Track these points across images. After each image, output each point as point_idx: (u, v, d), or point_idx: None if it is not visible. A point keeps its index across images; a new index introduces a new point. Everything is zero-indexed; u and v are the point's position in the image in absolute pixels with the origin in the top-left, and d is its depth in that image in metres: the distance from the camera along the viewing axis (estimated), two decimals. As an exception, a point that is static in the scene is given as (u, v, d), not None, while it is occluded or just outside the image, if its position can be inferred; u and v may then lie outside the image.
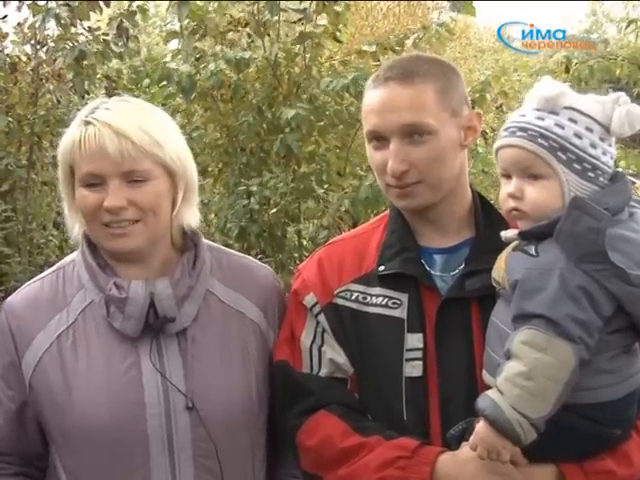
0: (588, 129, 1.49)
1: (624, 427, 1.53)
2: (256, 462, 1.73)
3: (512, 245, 1.56)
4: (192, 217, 1.74)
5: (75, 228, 1.72)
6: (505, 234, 1.58)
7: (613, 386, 1.48)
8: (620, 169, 1.62)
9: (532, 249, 1.49)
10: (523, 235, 1.53)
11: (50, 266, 1.79)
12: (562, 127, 1.48)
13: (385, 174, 1.66)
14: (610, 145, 1.52)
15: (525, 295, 1.44)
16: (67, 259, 1.78)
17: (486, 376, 1.55)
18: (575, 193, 1.47)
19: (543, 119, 1.50)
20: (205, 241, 1.80)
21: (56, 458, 1.68)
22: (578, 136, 1.48)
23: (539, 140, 1.48)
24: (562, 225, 1.44)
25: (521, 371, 1.41)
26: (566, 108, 1.50)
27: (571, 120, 1.49)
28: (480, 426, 1.45)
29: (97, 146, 1.58)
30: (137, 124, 1.61)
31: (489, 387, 1.50)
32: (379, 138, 1.66)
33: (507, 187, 1.53)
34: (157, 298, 1.62)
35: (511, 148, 1.52)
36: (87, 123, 1.61)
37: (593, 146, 1.49)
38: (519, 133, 1.51)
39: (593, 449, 1.52)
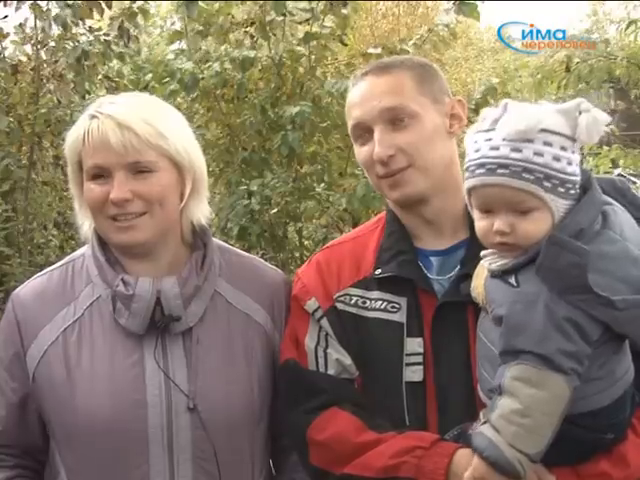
0: (562, 148, 1.44)
1: (617, 430, 1.50)
2: (255, 469, 1.72)
3: (486, 264, 1.52)
4: (202, 212, 1.73)
5: (85, 225, 1.72)
6: (488, 266, 1.51)
7: (604, 392, 1.46)
8: (621, 169, 1.59)
9: (512, 278, 1.44)
10: (505, 271, 1.47)
11: (50, 266, 1.79)
12: (541, 155, 1.42)
13: (374, 166, 1.65)
14: (574, 152, 1.46)
15: (512, 331, 1.41)
16: (77, 253, 1.78)
17: (480, 393, 1.54)
18: (561, 214, 1.44)
19: (520, 150, 1.42)
20: (215, 241, 1.80)
21: (56, 452, 1.68)
22: (557, 159, 1.43)
23: (524, 175, 1.41)
24: (542, 261, 1.40)
25: (516, 409, 1.38)
26: (539, 131, 1.43)
27: (546, 144, 1.43)
28: (478, 465, 1.42)
29: (100, 138, 1.58)
30: (140, 116, 1.61)
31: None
32: (363, 131, 1.67)
33: (489, 221, 1.47)
34: (163, 296, 1.61)
35: (494, 187, 1.44)
36: (92, 117, 1.62)
37: (569, 164, 1.44)
38: (500, 170, 1.43)
39: (587, 454, 1.50)
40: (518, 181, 1.42)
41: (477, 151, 1.47)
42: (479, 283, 1.52)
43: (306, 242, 5.05)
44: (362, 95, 1.67)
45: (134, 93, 1.81)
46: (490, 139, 1.46)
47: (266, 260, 1.98)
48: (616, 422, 1.49)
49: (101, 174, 1.60)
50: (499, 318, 1.44)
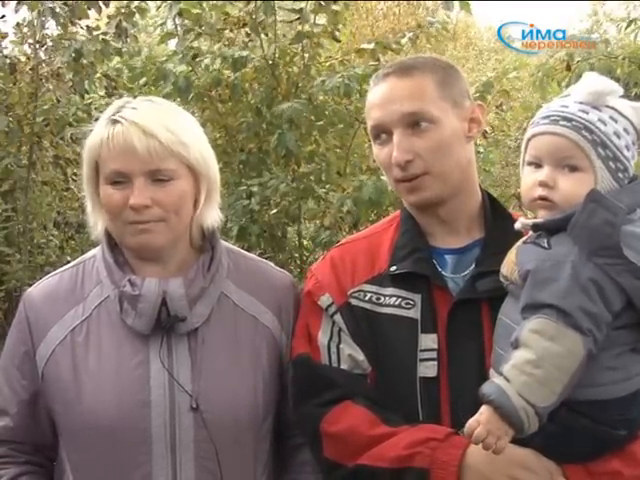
0: (625, 130, 1.50)
1: (630, 428, 1.50)
2: (258, 469, 1.72)
3: (522, 240, 1.56)
4: (213, 218, 1.74)
5: (98, 225, 1.73)
6: (523, 221, 1.56)
7: (617, 383, 1.47)
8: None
9: (544, 242, 1.48)
10: (536, 227, 1.52)
11: (50, 266, 1.80)
12: (605, 123, 1.48)
13: (392, 169, 1.67)
14: (634, 144, 1.51)
15: (537, 285, 1.44)
16: (88, 254, 1.80)
17: (493, 374, 1.53)
18: (604, 191, 1.47)
19: (587, 112, 1.49)
20: (224, 243, 1.81)
21: (62, 450, 1.70)
22: (617, 135, 1.49)
23: (583, 132, 1.47)
24: (578, 217, 1.43)
25: (530, 359, 1.40)
26: (607, 106, 1.50)
27: (612, 119, 1.49)
28: (484, 409, 1.42)
29: (125, 144, 1.59)
30: (164, 124, 1.62)
31: None
32: (382, 133, 1.68)
33: (536, 175, 1.51)
34: (169, 297, 1.63)
35: (552, 136, 1.50)
36: (114, 122, 1.62)
37: (627, 148, 1.50)
38: (562, 122, 1.49)
39: (598, 451, 1.50)
40: (576, 134, 1.47)
41: (548, 108, 1.55)
42: (510, 259, 1.54)
43: (305, 243, 5.05)
44: (383, 97, 1.68)
45: (152, 98, 1.81)
46: (563, 100, 1.54)
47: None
48: (629, 419, 1.49)
49: (120, 179, 1.62)
50: (525, 273, 1.46)
